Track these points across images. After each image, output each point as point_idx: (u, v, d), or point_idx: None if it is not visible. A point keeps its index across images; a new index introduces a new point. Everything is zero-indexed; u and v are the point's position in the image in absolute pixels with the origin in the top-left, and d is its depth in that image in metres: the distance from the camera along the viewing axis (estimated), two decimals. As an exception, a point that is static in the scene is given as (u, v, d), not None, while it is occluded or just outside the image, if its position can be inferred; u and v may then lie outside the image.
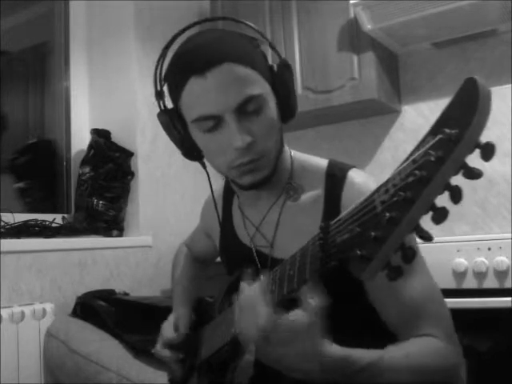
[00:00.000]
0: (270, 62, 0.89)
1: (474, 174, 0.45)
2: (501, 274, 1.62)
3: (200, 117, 0.82)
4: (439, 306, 0.82)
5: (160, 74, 0.90)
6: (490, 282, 1.63)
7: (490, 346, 1.57)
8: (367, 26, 1.93)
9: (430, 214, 0.47)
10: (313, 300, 0.63)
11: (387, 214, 0.48)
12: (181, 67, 0.82)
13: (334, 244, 0.56)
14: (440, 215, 0.47)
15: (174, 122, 0.88)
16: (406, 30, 2.00)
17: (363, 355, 0.68)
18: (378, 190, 0.51)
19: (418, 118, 2.23)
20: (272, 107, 0.85)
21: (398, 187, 0.47)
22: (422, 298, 0.80)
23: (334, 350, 0.66)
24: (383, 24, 1.93)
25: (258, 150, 0.83)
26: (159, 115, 0.90)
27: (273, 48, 0.89)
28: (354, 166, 0.91)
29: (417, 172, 0.46)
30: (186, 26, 0.91)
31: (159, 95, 0.90)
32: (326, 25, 2.12)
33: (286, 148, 0.96)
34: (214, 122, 0.82)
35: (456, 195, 0.46)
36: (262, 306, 0.65)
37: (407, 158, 0.49)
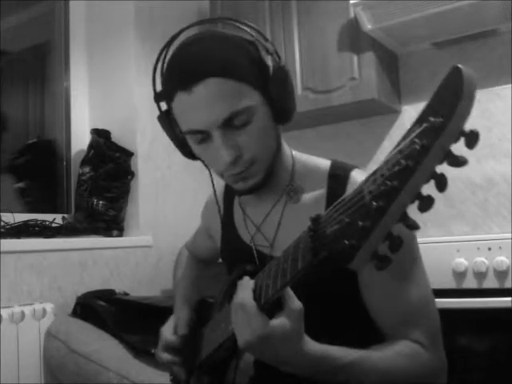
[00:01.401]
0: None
1: (458, 162, 0.46)
2: (501, 274, 1.62)
3: (189, 131, 0.84)
4: (430, 315, 0.84)
5: (155, 76, 0.91)
6: (490, 282, 1.63)
7: (489, 345, 1.57)
8: (367, 25, 1.93)
9: (417, 202, 0.48)
10: (295, 305, 0.67)
11: (374, 204, 0.48)
12: (170, 80, 0.84)
13: (324, 235, 0.57)
14: (426, 204, 0.48)
15: (172, 125, 0.90)
16: (405, 29, 2.00)
17: (344, 354, 0.72)
18: (366, 180, 0.52)
19: (418, 118, 2.23)
20: (263, 115, 0.84)
21: (384, 177, 0.48)
22: (415, 304, 0.82)
23: (314, 347, 0.70)
24: (383, 24, 1.93)
25: (247, 160, 0.84)
26: (159, 118, 0.92)
27: (270, 53, 0.86)
28: (357, 167, 0.91)
29: (402, 161, 0.46)
30: (182, 29, 0.90)
31: (158, 97, 0.91)
32: (326, 25, 2.12)
33: (287, 149, 0.96)
34: (203, 136, 0.83)
35: (441, 184, 0.46)
36: (255, 313, 0.68)
37: (394, 148, 0.50)
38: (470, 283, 1.66)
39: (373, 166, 2.30)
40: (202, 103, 0.79)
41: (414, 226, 0.49)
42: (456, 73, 0.46)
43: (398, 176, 0.47)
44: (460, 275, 1.68)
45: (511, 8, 1.84)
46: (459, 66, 0.46)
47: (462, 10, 1.83)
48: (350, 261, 0.52)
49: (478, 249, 1.67)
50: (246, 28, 0.87)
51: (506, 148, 2.05)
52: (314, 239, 0.59)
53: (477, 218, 2.09)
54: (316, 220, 0.59)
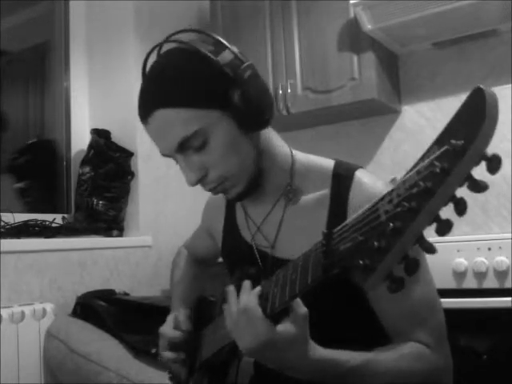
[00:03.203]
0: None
1: (479, 187, 0.45)
2: (501, 274, 1.62)
3: (161, 154, 0.89)
4: (436, 315, 0.84)
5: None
6: (490, 282, 1.63)
7: (489, 345, 1.57)
8: (367, 25, 1.93)
9: (434, 225, 0.46)
10: (300, 310, 0.68)
11: (391, 224, 0.47)
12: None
13: (337, 252, 0.56)
14: (444, 227, 0.46)
15: None
16: (406, 30, 2.00)
17: (351, 357, 0.72)
18: (382, 198, 0.50)
19: (418, 118, 2.23)
20: (225, 129, 0.82)
21: (402, 197, 0.47)
22: (421, 307, 0.82)
23: (319, 352, 0.70)
24: (383, 24, 1.93)
25: (216, 178, 0.85)
26: None
27: (225, 64, 0.80)
28: (361, 167, 0.90)
29: (421, 183, 0.45)
30: (152, 48, 0.90)
31: None
32: (326, 25, 2.12)
33: (284, 148, 0.93)
34: (174, 158, 0.87)
35: (461, 207, 0.45)
36: (260, 318, 0.68)
37: (412, 168, 0.48)
38: (470, 283, 1.66)
39: (373, 166, 2.31)
40: (156, 133, 0.85)
41: (430, 250, 0.48)
42: (478, 94, 0.45)
43: (416, 198, 0.45)
44: (460, 275, 1.67)
45: (511, 8, 1.84)
46: (481, 86, 0.44)
47: (461, 9, 1.82)
48: (363, 281, 0.50)
49: (478, 249, 1.67)
50: (202, 38, 0.86)
51: (506, 148, 2.05)
52: (326, 255, 0.58)
53: (477, 217, 2.09)
54: (328, 235, 0.58)
